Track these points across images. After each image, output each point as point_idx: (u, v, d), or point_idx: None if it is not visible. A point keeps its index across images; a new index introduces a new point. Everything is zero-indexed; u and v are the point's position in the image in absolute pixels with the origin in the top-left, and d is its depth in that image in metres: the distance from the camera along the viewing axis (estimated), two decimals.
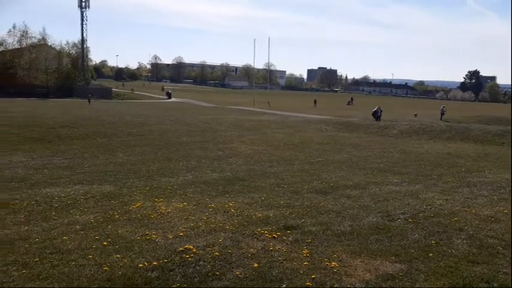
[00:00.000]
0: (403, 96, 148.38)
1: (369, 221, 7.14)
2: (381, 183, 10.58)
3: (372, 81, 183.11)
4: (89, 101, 46.72)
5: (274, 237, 6.11)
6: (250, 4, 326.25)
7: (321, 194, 9.09)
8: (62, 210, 7.50)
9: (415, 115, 39.47)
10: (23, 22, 79.21)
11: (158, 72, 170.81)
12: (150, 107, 43.04)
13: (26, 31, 68.96)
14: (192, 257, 5.24)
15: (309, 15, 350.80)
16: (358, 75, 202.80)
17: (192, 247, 5.54)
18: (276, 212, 7.53)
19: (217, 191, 9.16)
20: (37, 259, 5.15)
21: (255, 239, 6.01)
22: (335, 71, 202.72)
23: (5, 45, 69.28)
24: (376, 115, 31.17)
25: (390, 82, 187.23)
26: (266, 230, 6.40)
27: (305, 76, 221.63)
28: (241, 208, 7.70)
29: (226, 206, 7.82)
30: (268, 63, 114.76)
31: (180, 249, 5.49)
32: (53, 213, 7.25)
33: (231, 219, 6.95)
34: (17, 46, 68.68)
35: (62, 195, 8.58)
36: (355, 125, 27.69)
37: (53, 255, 5.27)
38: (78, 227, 6.48)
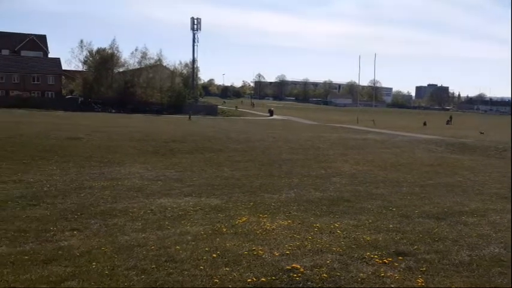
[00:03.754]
0: None
1: (490, 252, 6.50)
2: (501, 210, 9.61)
3: (488, 99, 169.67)
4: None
5: (385, 262, 5.81)
6: (356, 21, 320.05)
7: (433, 220, 8.50)
8: (174, 220, 7.90)
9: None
10: (144, 45, 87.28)
11: (261, 90, 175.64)
12: (252, 124, 44.23)
13: (146, 53, 75.83)
14: (299, 276, 5.17)
15: (419, 31, 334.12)
16: (472, 93, 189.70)
17: (299, 266, 5.47)
18: (385, 236, 7.18)
19: (322, 211, 9.01)
20: (154, 266, 5.46)
21: (365, 263, 5.77)
22: (446, 88, 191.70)
23: (127, 65, 76.54)
24: None
25: (509, 101, 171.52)
26: (376, 254, 6.11)
27: (413, 93, 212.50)
28: (347, 230, 7.46)
29: (332, 226, 7.64)
30: (374, 80, 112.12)
31: (287, 267, 5.45)
32: (167, 223, 7.67)
33: (337, 241, 6.77)
34: (137, 66, 75.42)
35: (174, 206, 9.06)
36: (470, 146, 25.70)
37: (168, 264, 5.55)
38: (189, 237, 6.77)
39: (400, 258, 6.03)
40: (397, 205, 9.80)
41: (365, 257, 5.99)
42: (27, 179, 11.60)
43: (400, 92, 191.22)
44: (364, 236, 7.08)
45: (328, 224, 7.82)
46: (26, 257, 5.69)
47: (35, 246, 6.19)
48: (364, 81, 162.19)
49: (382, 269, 5.55)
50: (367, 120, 50.68)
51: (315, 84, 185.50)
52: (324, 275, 5.26)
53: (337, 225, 7.76)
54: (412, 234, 7.38)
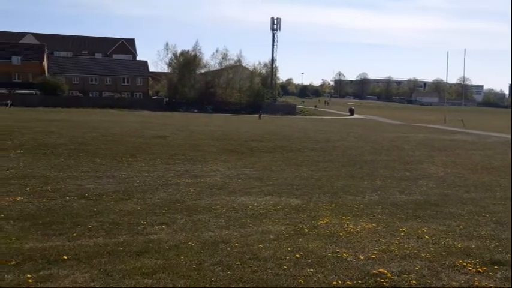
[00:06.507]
0: None
1: None
2: None
3: None
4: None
5: (479, 271, 5.45)
6: (444, 15, 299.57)
7: None
8: (256, 218, 8.00)
9: None
10: (224, 46, 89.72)
11: (341, 89, 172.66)
12: (332, 124, 43.62)
13: (226, 54, 77.83)
14: (387, 281, 5.00)
15: None
16: None
17: (386, 271, 5.29)
18: (478, 243, 6.74)
19: (408, 215, 8.65)
20: (238, 263, 5.57)
21: (457, 272, 5.45)
22: None
23: (208, 67, 79.05)
24: None
25: None
26: (469, 262, 5.76)
27: (507, 91, 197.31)
28: (436, 235, 7.10)
29: (419, 231, 7.31)
30: (464, 77, 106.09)
31: (374, 272, 5.29)
32: (248, 221, 7.79)
33: (426, 247, 6.46)
34: (217, 67, 77.63)
35: (255, 204, 9.18)
36: None
37: (252, 261, 5.63)
38: (271, 236, 6.82)
39: (496, 267, 5.64)
40: (490, 211, 9.16)
41: (457, 265, 5.67)
42: (119, 174, 12.39)
43: (493, 90, 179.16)
44: (455, 243, 6.70)
45: (416, 228, 7.50)
46: (120, 248, 6.08)
47: (128, 238, 6.59)
48: (452, 79, 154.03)
49: (476, 278, 5.22)
50: (455, 120, 47.82)
51: (399, 82, 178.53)
52: (413, 281, 5.04)
53: (425, 230, 7.41)
54: (508, 242, 6.85)
